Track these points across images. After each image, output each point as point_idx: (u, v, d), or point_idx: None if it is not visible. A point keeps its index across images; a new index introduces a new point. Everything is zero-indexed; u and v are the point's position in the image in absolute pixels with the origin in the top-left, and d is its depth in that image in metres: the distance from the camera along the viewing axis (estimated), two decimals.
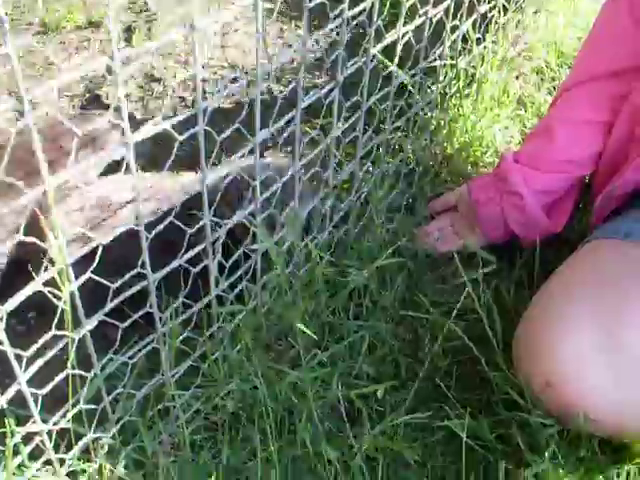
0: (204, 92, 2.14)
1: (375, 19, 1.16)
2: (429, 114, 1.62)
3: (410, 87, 1.47)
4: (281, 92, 1.96)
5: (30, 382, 0.83)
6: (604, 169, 1.41)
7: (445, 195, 1.59)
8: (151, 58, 2.30)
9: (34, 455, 0.92)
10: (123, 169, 0.79)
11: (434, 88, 1.57)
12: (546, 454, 1.09)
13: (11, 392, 0.82)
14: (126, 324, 0.92)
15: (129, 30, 2.46)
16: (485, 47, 1.71)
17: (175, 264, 0.95)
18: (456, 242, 1.52)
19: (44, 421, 0.89)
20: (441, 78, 1.57)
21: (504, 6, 1.76)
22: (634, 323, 1.07)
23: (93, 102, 2.04)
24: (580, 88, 1.45)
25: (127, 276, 0.88)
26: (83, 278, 0.82)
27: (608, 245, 1.24)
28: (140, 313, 0.94)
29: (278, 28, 2.50)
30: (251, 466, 1.12)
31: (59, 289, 0.80)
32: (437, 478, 1.17)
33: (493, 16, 1.71)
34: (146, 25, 2.51)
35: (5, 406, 0.82)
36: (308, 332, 1.09)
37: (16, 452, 0.87)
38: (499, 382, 1.20)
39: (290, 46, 2.30)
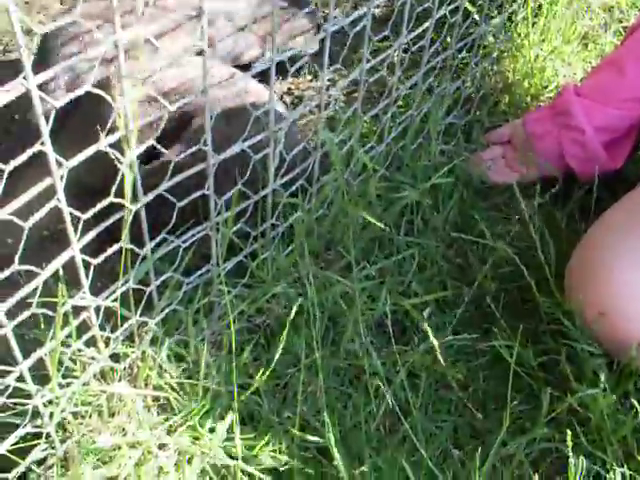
0: None
1: None
2: (493, 39, 1.57)
3: (473, 10, 1.42)
4: None
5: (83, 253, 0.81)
6: None
7: (501, 127, 1.55)
8: None
9: (80, 331, 0.90)
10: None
11: (500, 14, 1.52)
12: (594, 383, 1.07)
13: (64, 258, 0.79)
14: (182, 203, 0.89)
15: None
16: None
17: (236, 148, 0.92)
18: (509, 174, 1.48)
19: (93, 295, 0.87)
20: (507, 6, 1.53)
21: None
22: None
23: None
24: None
25: (186, 152, 0.85)
26: (144, 146, 0.79)
27: None
28: (198, 194, 0.91)
29: None
30: (293, 372, 1.10)
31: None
32: (479, 401, 1.15)
33: None
34: None
35: (61, 272, 0.79)
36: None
37: (65, 323, 0.85)
38: (549, 310, 1.17)
39: None
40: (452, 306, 1.23)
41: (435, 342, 1.02)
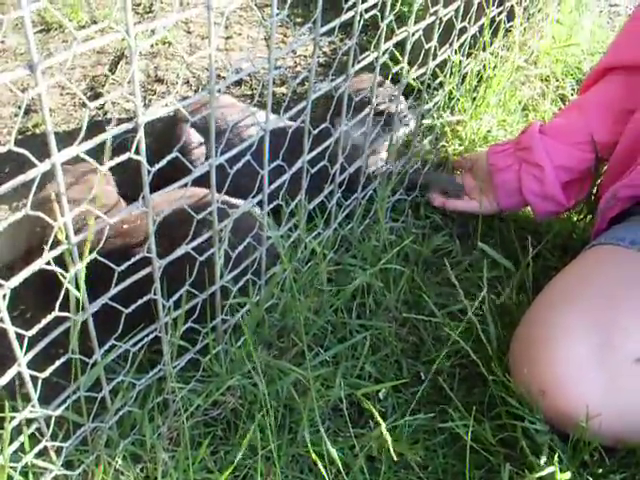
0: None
1: (387, 14, 1.15)
2: (435, 115, 1.61)
3: (418, 86, 1.46)
4: (292, 87, 1.95)
5: (31, 365, 0.81)
6: (611, 171, 1.40)
7: (464, 156, 1.59)
8: (155, 59, 2.29)
9: (31, 442, 0.89)
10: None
11: (440, 91, 1.56)
12: (548, 459, 1.07)
13: (11, 374, 0.79)
14: (130, 309, 0.90)
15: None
16: (492, 52, 1.70)
17: (181, 251, 0.93)
18: (467, 202, 1.52)
19: (43, 407, 0.86)
20: (449, 80, 1.57)
21: (512, 11, 1.75)
22: (627, 327, 1.06)
23: (94, 100, 2.02)
24: (615, 74, 1.45)
25: (133, 260, 0.86)
26: (88, 259, 0.80)
27: (609, 252, 1.23)
28: (145, 298, 0.92)
29: (282, 32, 2.50)
30: (250, 463, 1.09)
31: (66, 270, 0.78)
32: None
33: (501, 21, 1.70)
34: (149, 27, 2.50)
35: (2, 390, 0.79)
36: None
37: (12, 438, 0.84)
38: (498, 387, 1.18)
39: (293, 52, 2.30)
40: (408, 385, 1.24)
41: (383, 427, 1.02)
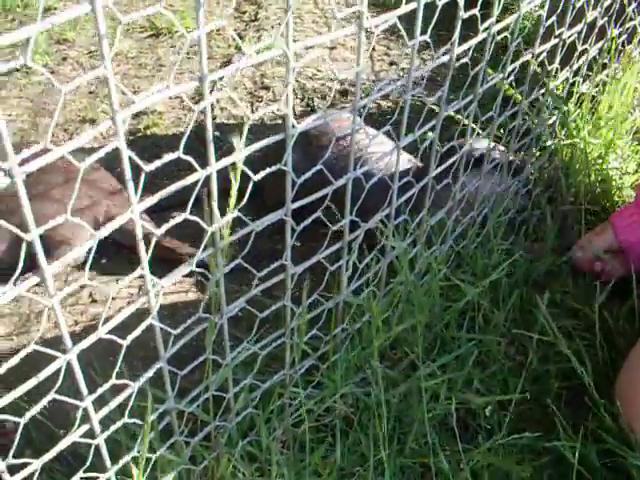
0: (312, 102, 2.17)
1: (516, 36, 1.16)
2: (548, 136, 1.62)
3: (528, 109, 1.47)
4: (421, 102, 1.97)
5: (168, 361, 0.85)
6: None
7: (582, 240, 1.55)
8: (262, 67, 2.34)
9: (164, 434, 0.93)
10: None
11: (555, 112, 1.57)
12: None
13: (154, 369, 0.83)
14: (263, 315, 0.93)
15: (240, 38, 2.51)
16: (608, 74, 1.70)
17: (314, 260, 0.96)
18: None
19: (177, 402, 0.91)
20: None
21: (633, 32, 1.75)
22: None
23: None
24: None
25: (271, 267, 0.89)
26: (231, 265, 0.84)
27: None
28: (277, 305, 0.95)
29: (385, 46, 2.53)
30: (361, 471, 1.12)
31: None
32: None
33: (621, 42, 1.70)
34: (256, 34, 2.56)
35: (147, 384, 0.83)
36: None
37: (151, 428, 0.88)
38: (603, 412, 1.18)
39: (396, 65, 2.32)
40: (514, 402, 1.25)
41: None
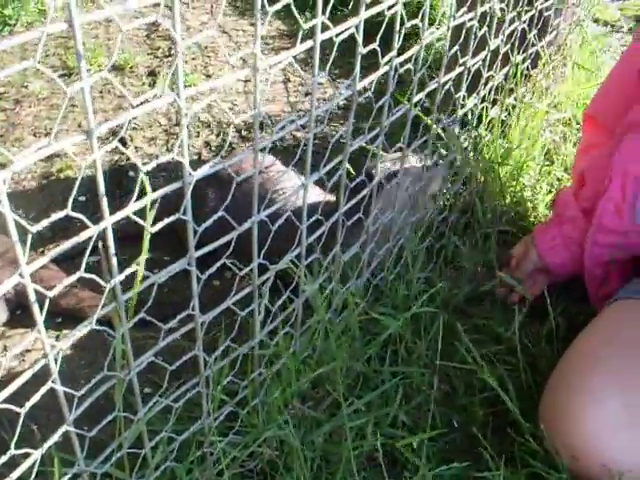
0: (226, 136, 2.16)
1: (420, 68, 1.16)
2: (460, 162, 1.63)
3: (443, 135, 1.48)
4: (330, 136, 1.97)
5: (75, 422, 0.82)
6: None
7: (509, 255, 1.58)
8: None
9: None
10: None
11: (466, 137, 1.58)
12: None
13: (59, 433, 0.80)
14: (174, 367, 0.91)
15: (153, 74, 2.49)
16: (516, 98, 1.72)
17: (224, 306, 0.94)
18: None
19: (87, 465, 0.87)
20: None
21: (536, 57, 1.78)
22: None
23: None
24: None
25: (178, 317, 0.87)
26: (138, 316, 0.82)
27: (630, 308, 1.23)
28: (189, 355, 0.93)
29: (300, 77, 2.53)
30: None
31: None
32: None
33: (526, 67, 1.73)
34: (169, 70, 2.53)
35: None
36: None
37: None
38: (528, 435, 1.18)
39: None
40: (441, 433, 1.24)
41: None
